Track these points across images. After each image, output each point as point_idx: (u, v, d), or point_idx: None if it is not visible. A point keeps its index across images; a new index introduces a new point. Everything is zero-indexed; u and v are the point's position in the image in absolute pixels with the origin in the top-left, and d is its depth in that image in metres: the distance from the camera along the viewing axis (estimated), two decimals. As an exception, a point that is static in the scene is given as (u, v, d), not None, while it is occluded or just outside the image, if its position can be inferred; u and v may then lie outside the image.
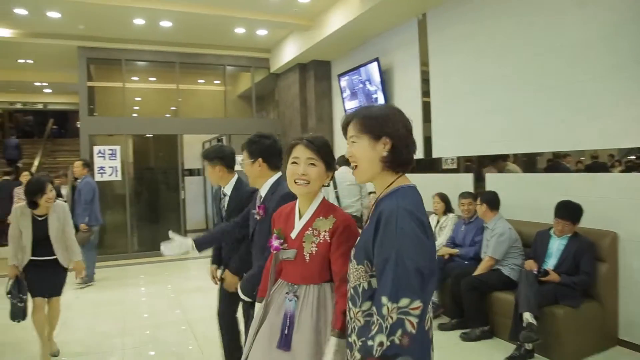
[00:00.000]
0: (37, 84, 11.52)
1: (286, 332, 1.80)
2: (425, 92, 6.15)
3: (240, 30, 7.93)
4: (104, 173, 8.00)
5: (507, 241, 4.27)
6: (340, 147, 7.23)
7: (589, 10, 4.00)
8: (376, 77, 6.87)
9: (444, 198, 5.33)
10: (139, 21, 7.22)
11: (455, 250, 4.83)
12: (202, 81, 10.75)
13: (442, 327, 4.38)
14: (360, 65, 7.17)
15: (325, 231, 1.82)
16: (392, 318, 1.25)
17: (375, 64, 6.82)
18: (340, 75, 7.82)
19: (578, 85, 4.11)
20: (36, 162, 14.30)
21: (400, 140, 1.47)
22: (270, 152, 2.53)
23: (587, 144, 4.10)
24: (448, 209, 5.33)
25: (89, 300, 5.76)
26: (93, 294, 6.10)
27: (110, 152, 8.12)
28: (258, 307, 2.02)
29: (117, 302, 5.69)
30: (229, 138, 9.30)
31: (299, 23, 7.41)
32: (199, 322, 4.81)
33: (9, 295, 3.75)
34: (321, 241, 1.82)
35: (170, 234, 2.63)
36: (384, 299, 1.28)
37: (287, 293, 1.89)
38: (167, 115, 9.48)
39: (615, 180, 3.86)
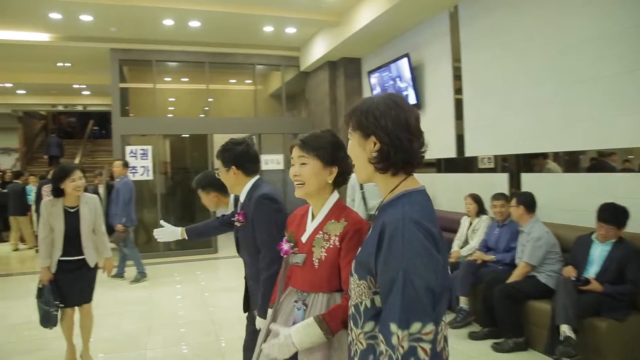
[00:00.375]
0: (75, 86, 11.84)
1: None
2: (458, 90, 5.88)
3: (268, 29, 7.85)
4: (136, 173, 8.09)
5: (545, 246, 3.99)
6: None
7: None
8: (406, 74, 6.64)
9: (476, 199, 5.09)
10: (168, 22, 7.26)
11: (491, 257, 4.56)
12: (234, 81, 10.78)
13: (473, 336, 4.15)
14: (391, 62, 6.96)
15: (335, 235, 1.69)
16: (403, 347, 1.09)
17: (405, 59, 6.59)
18: (370, 72, 7.63)
19: (627, 77, 3.78)
20: (76, 162, 14.79)
21: (388, 139, 1.25)
22: (243, 158, 2.45)
23: (636, 141, 3.77)
24: (481, 210, 5.08)
25: (117, 299, 5.80)
26: (121, 292, 6.16)
27: (142, 151, 8.23)
28: (269, 312, 1.91)
29: (145, 301, 5.71)
30: (259, 137, 9.27)
31: (327, 19, 7.26)
32: (225, 323, 4.75)
33: (41, 301, 3.51)
34: (331, 246, 1.69)
35: (162, 222, 2.97)
36: (393, 327, 1.11)
37: (295, 301, 1.78)
38: (202, 116, 9.51)
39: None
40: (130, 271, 6.81)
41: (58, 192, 3.51)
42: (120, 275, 6.74)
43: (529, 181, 4.83)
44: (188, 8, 6.68)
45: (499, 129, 5.19)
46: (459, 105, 5.89)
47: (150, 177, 8.30)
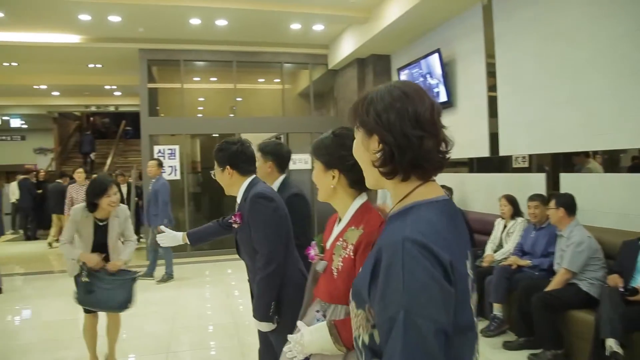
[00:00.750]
0: (107, 87, 12.02)
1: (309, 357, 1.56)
2: (492, 87, 5.62)
3: (296, 26, 7.74)
4: (164, 172, 8.09)
5: (586, 251, 3.72)
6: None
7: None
8: (437, 70, 6.41)
9: (511, 200, 4.84)
10: (195, 21, 7.23)
11: (527, 262, 4.31)
12: (261, 80, 10.73)
13: (508, 346, 3.92)
14: (421, 58, 6.74)
15: (352, 244, 1.54)
16: None
17: (436, 55, 6.36)
18: (400, 69, 7.43)
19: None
20: (108, 161, 15.08)
21: (392, 137, 1.02)
22: (238, 158, 2.40)
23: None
24: (516, 212, 4.83)
25: (141, 300, 5.76)
26: (147, 293, 6.14)
27: (169, 151, 8.25)
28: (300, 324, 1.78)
29: (169, 302, 5.69)
30: (287, 136, 9.17)
31: (355, 16, 7.09)
32: (249, 327, 4.66)
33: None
34: (346, 256, 1.55)
35: (162, 227, 3.00)
36: None
37: (317, 311, 1.65)
38: (230, 116, 9.49)
39: None
40: (159, 270, 6.82)
41: (93, 207, 3.39)
42: (149, 275, 6.76)
43: (569, 181, 4.55)
44: (215, 6, 6.63)
45: (538, 126, 4.90)
46: (492, 102, 5.63)
47: (178, 177, 8.32)
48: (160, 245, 2.89)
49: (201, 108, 10.85)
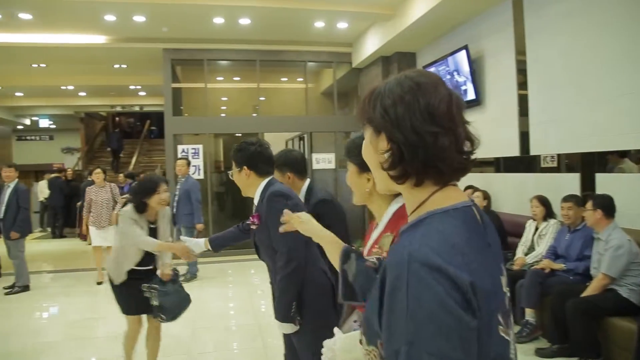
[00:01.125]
0: (132, 87, 12.17)
1: None
2: (522, 84, 5.43)
3: (319, 24, 7.65)
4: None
5: (626, 256, 3.53)
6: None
7: None
8: (465, 67, 6.24)
9: (543, 201, 4.66)
10: (218, 20, 7.22)
11: (561, 266, 4.14)
12: (285, 79, 10.69)
13: (541, 353, 3.77)
14: (447, 55, 6.58)
15: (386, 251, 1.43)
16: None
17: (463, 52, 6.20)
18: (425, 67, 7.27)
19: None
20: (133, 160, 15.28)
21: (400, 134, 0.86)
22: (256, 159, 2.37)
23: None
24: (549, 214, 4.65)
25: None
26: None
27: (193, 151, 8.27)
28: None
29: (193, 301, 5.65)
30: (310, 136, 9.11)
31: (380, 13, 6.97)
32: (272, 329, 4.60)
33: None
34: None
35: (182, 237, 3.03)
36: None
37: (354, 321, 1.59)
38: (253, 115, 9.48)
39: None
40: (181, 269, 6.82)
41: (143, 207, 3.13)
42: (194, 275, 6.77)
43: (605, 182, 4.35)
44: (238, 5, 6.59)
45: (572, 124, 4.70)
46: (523, 100, 5.44)
47: (202, 177, 8.33)
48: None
49: (224, 107, 10.88)
